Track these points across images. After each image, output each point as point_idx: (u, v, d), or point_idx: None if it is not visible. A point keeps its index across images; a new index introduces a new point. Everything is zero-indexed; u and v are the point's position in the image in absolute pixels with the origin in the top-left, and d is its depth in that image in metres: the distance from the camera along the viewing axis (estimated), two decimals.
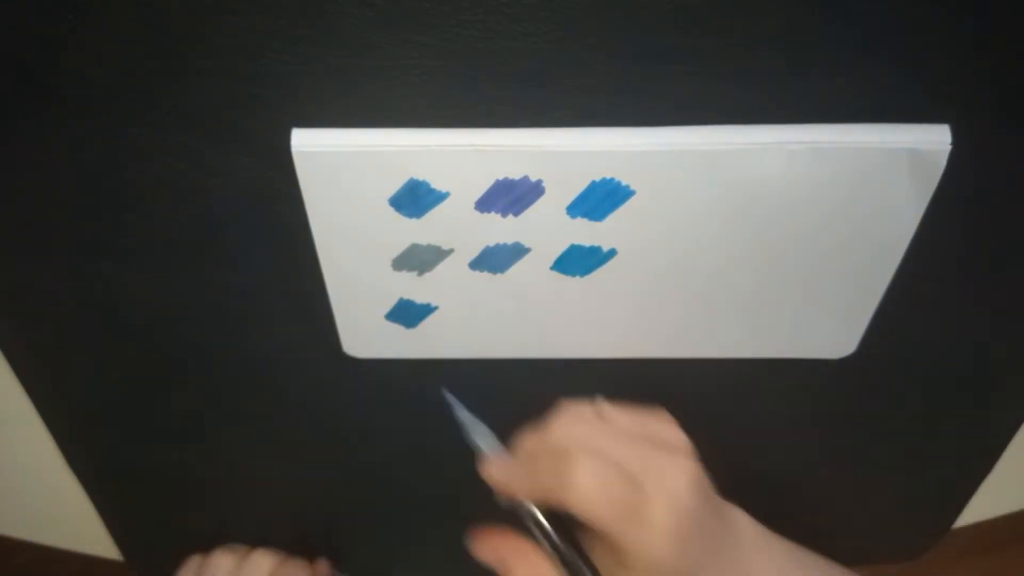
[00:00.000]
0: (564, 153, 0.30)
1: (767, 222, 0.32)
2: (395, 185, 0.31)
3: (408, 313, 0.37)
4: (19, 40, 0.28)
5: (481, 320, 0.37)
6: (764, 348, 0.39)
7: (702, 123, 0.30)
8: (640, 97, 0.30)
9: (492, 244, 0.33)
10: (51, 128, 0.30)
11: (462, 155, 0.30)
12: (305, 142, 0.30)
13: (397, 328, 0.38)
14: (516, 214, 0.32)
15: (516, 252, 0.34)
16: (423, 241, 0.33)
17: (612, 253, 0.34)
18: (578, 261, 0.34)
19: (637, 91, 0.29)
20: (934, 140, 0.30)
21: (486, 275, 0.35)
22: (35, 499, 0.37)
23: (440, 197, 0.32)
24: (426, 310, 0.37)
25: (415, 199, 0.32)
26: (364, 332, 0.38)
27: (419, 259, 0.34)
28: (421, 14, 0.27)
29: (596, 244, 0.33)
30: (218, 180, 0.32)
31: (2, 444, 0.37)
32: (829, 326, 0.37)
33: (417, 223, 0.33)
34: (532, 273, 0.35)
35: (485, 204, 0.32)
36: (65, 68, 0.29)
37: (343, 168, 0.31)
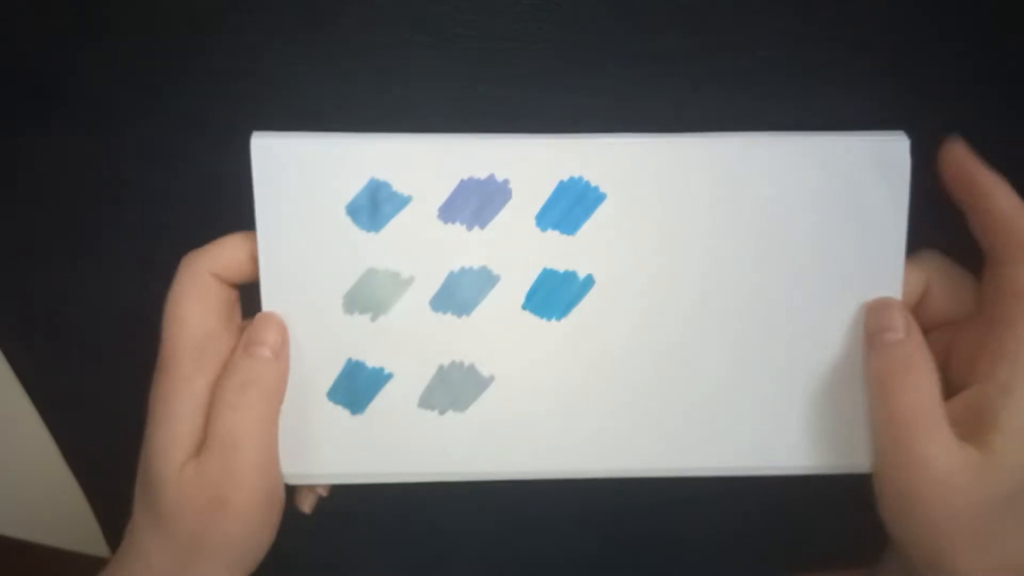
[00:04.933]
0: (529, 148, 0.30)
1: (751, 229, 0.30)
2: (354, 187, 0.30)
3: (356, 385, 0.31)
4: None
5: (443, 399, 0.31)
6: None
7: (693, 130, 0.30)
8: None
9: (457, 269, 0.30)
10: (51, 129, 0.30)
11: (426, 153, 0.30)
12: (265, 143, 0.29)
13: (339, 416, 0.31)
14: (482, 225, 0.30)
15: (484, 281, 0.30)
16: (381, 265, 0.30)
17: (589, 283, 0.30)
18: (553, 293, 0.30)
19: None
20: (894, 141, 0.30)
21: (449, 319, 0.30)
22: (35, 499, 0.36)
23: (402, 202, 0.30)
24: (377, 379, 0.31)
25: (375, 205, 0.30)
26: (302, 427, 0.31)
27: (375, 294, 0.30)
28: (421, 14, 0.29)
29: (571, 268, 0.30)
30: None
31: (2, 444, 0.36)
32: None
33: (375, 240, 0.30)
34: (501, 312, 0.30)
35: (450, 211, 0.30)
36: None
37: (301, 167, 0.29)
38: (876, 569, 0.34)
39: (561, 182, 0.30)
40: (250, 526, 0.29)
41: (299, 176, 0.30)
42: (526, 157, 0.30)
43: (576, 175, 0.30)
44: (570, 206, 0.30)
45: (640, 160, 0.30)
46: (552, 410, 0.31)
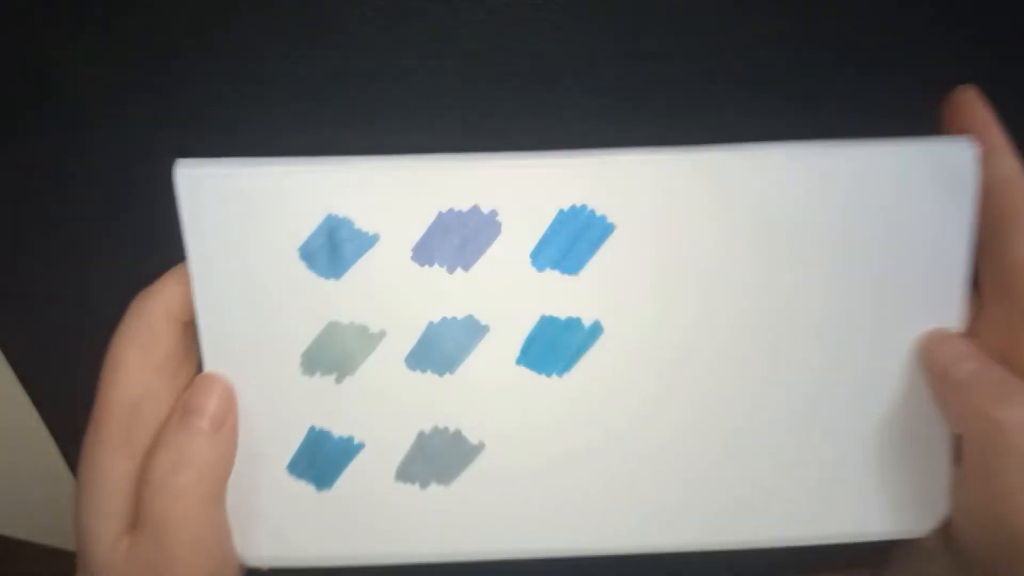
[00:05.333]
0: (521, 172, 0.24)
1: (782, 255, 0.25)
2: (308, 226, 0.24)
3: (321, 457, 0.26)
4: None
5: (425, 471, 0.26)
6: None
7: (698, 135, 0.25)
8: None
9: (437, 319, 0.25)
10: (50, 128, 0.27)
11: (395, 182, 0.24)
12: (192, 173, 0.24)
13: (303, 492, 0.26)
14: (466, 267, 0.25)
15: (470, 332, 0.25)
16: (344, 318, 0.25)
17: (596, 331, 0.25)
18: (553, 344, 0.25)
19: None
20: (958, 149, 0.25)
21: (429, 379, 0.25)
22: (35, 499, 0.35)
23: (367, 242, 0.24)
24: (346, 450, 0.26)
25: (334, 247, 0.24)
26: (259, 503, 0.26)
27: (339, 352, 0.25)
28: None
29: (574, 314, 0.25)
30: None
31: (2, 444, 0.36)
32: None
33: (336, 288, 0.25)
34: (492, 369, 0.25)
35: (426, 251, 0.25)
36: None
37: (241, 202, 0.24)
38: (882, 571, 0.32)
39: (561, 212, 0.25)
40: None
41: (239, 213, 0.24)
42: (517, 183, 0.25)
43: (578, 203, 0.25)
44: (572, 240, 0.25)
45: (656, 181, 0.25)
46: (554, 482, 0.26)
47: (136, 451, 0.24)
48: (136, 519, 0.24)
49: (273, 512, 0.26)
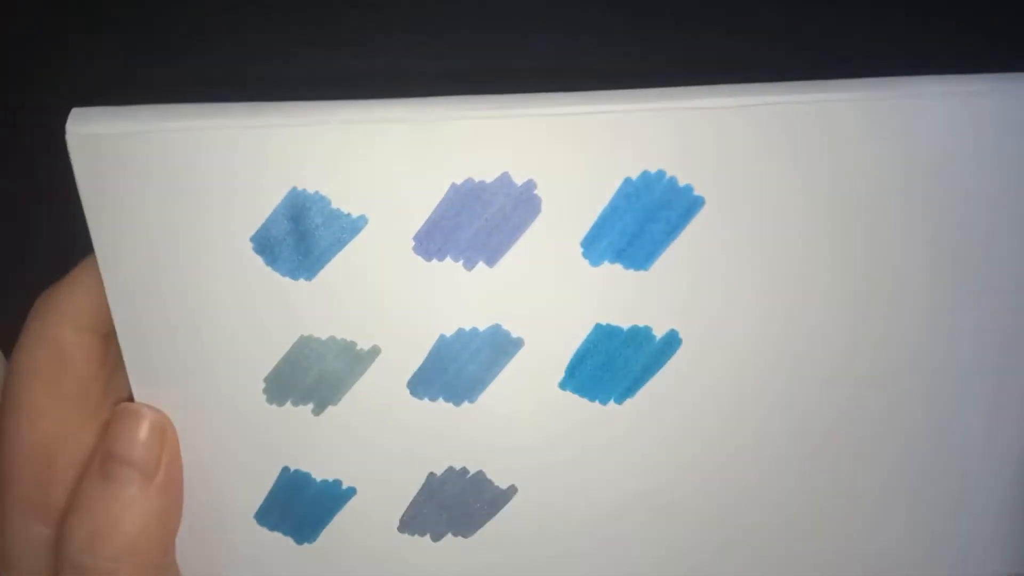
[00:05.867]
0: (569, 125, 0.17)
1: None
2: (263, 207, 0.17)
3: (300, 504, 0.19)
4: None
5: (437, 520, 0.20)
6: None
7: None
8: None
9: (451, 332, 0.18)
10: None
11: (388, 140, 0.17)
12: (87, 133, 0.16)
13: (279, 546, 0.20)
14: (491, 261, 0.18)
15: (497, 348, 0.18)
16: (321, 332, 0.18)
17: (672, 343, 0.18)
18: (611, 362, 0.18)
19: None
20: None
21: (442, 408, 0.19)
22: None
23: (350, 228, 0.17)
24: (333, 497, 0.19)
25: (303, 236, 0.17)
26: (218, 561, 0.20)
27: (315, 375, 0.18)
28: None
29: (641, 322, 0.18)
30: None
31: None
32: None
33: (307, 291, 0.18)
34: (526, 395, 0.19)
35: (434, 240, 0.17)
36: None
37: (164, 169, 0.17)
38: None
39: (627, 181, 0.17)
40: None
41: (162, 184, 0.17)
42: (563, 140, 0.17)
43: (653, 168, 0.17)
44: (642, 222, 0.17)
45: (767, 130, 0.17)
46: (609, 535, 0.20)
47: (54, 515, 0.18)
48: None
49: (240, 573, 0.20)
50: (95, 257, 0.17)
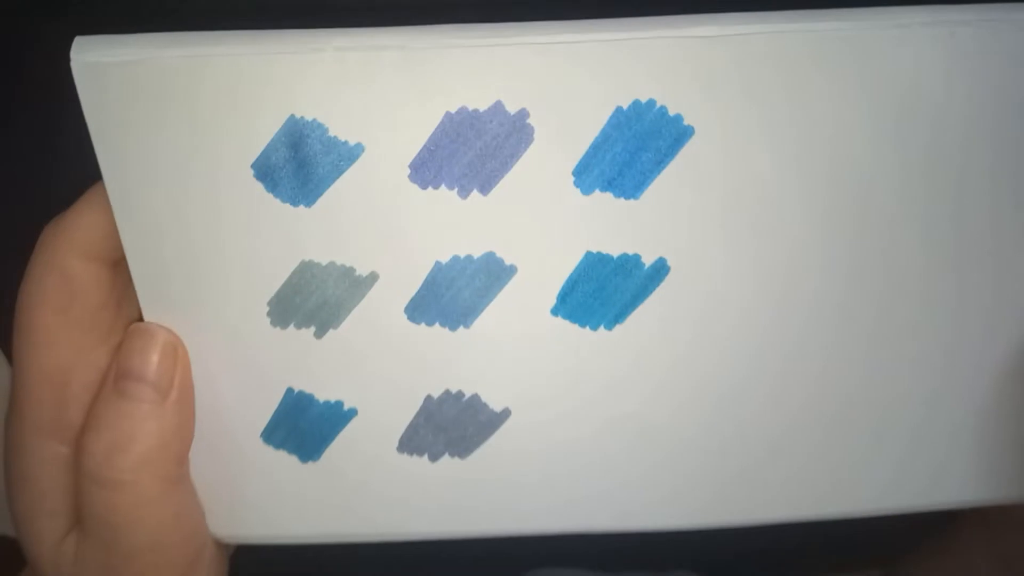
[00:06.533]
0: (562, 54, 0.17)
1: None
2: (263, 133, 0.17)
3: (304, 424, 0.20)
4: None
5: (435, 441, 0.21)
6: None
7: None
8: None
9: (446, 259, 0.19)
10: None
11: (383, 68, 0.17)
12: (93, 61, 0.17)
13: (284, 464, 0.21)
14: (484, 188, 0.18)
15: (490, 275, 0.19)
16: (321, 256, 0.19)
17: (661, 271, 0.19)
18: (601, 289, 0.19)
19: None
20: None
21: (438, 333, 0.19)
22: None
23: (347, 155, 0.18)
24: (335, 417, 0.20)
25: (302, 163, 0.18)
26: (221, 473, 0.21)
27: (316, 299, 0.19)
28: None
29: (631, 250, 0.19)
30: None
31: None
32: None
33: (307, 217, 0.18)
34: (519, 320, 0.19)
35: (429, 168, 0.18)
36: None
37: (164, 101, 0.17)
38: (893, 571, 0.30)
39: (619, 110, 0.17)
40: None
41: (164, 110, 0.17)
42: (556, 69, 0.17)
43: (644, 97, 0.17)
44: (633, 151, 0.18)
45: (760, 62, 0.17)
46: (600, 453, 0.21)
47: (70, 434, 0.19)
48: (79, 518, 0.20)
49: (248, 487, 0.21)
50: (100, 186, 0.18)
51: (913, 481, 0.21)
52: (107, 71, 0.17)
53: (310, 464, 0.21)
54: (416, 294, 0.19)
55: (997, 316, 0.20)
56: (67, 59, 0.17)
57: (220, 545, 0.22)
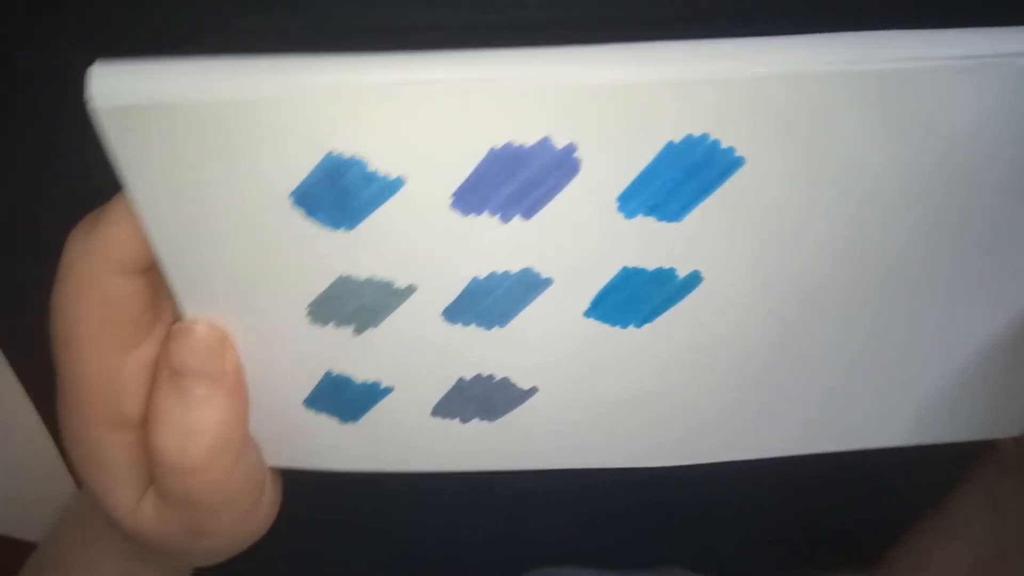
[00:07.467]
0: (613, 96, 0.16)
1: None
2: (300, 166, 0.17)
3: (343, 397, 0.22)
4: None
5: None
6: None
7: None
8: None
9: (484, 275, 0.19)
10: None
11: (423, 102, 0.16)
12: (113, 86, 0.15)
13: (326, 423, 0.23)
14: (527, 214, 0.18)
15: (526, 286, 0.19)
16: (360, 273, 0.19)
17: (693, 281, 0.19)
18: (634, 297, 0.20)
19: None
20: None
21: (473, 332, 0.20)
22: (35, 499, 0.36)
23: (387, 189, 0.17)
24: (371, 394, 0.22)
25: (340, 194, 0.17)
26: (271, 426, 0.23)
27: (355, 304, 0.19)
28: None
29: (666, 264, 0.19)
30: None
31: (2, 444, 0.35)
32: None
33: (346, 239, 0.18)
34: (552, 322, 0.20)
35: (471, 197, 0.17)
36: None
37: (189, 135, 0.16)
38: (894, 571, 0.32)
39: (671, 145, 0.17)
40: (236, 538, 0.24)
41: (194, 148, 0.16)
42: (609, 108, 0.16)
43: (697, 131, 0.17)
44: (680, 180, 0.17)
45: (815, 98, 0.16)
46: (609, 423, 0.23)
47: (131, 423, 0.20)
48: (153, 484, 0.21)
49: (296, 437, 0.23)
50: (122, 198, 0.17)
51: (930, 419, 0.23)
52: (133, 114, 0.15)
53: (349, 425, 0.23)
54: (453, 301, 0.19)
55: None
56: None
57: (275, 469, 0.25)
